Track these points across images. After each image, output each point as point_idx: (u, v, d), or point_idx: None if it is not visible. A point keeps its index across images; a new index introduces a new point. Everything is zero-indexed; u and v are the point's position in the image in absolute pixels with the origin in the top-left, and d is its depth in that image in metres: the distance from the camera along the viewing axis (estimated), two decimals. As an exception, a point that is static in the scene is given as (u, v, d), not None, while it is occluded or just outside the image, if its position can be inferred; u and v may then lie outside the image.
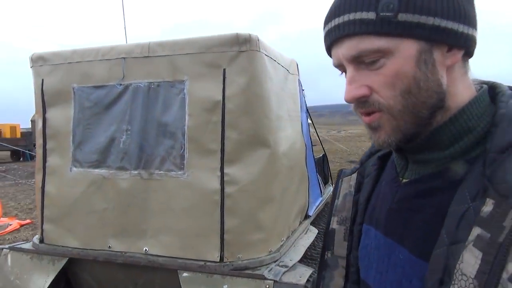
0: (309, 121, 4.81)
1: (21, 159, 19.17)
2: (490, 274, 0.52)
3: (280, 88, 3.13)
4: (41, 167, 3.15)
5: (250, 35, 2.63)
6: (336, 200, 0.92)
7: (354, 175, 0.90)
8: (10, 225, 6.87)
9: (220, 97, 2.66)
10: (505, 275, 0.50)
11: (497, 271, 0.51)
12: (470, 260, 0.54)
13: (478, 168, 0.60)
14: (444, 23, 0.61)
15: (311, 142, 4.71)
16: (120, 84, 2.91)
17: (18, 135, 19.83)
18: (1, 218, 7.16)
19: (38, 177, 3.16)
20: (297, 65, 3.85)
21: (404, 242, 0.69)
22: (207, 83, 2.70)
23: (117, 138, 2.92)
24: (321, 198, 4.75)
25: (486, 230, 0.54)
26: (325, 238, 0.93)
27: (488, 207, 0.55)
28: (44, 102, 3.11)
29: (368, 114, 0.67)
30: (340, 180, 0.94)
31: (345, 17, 0.63)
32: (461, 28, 0.62)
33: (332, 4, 0.68)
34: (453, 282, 0.56)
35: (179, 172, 2.77)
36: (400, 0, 0.60)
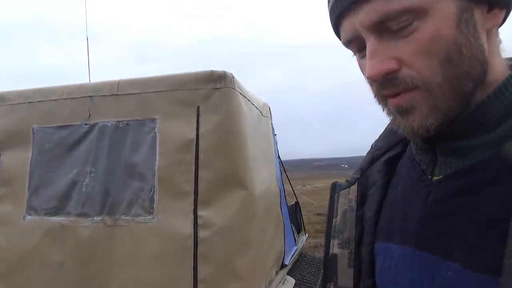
0: (282, 173, 4.72)
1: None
2: None
3: (255, 128, 3.06)
4: (-10, 216, 2.81)
5: (225, 72, 2.58)
6: (334, 219, 0.76)
7: (354, 187, 0.75)
8: None
9: (194, 135, 2.53)
10: None
11: None
12: None
13: None
14: None
15: (284, 190, 4.60)
16: (86, 124, 2.73)
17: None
18: None
19: (-14, 228, 2.82)
20: (270, 108, 3.83)
21: (453, 255, 0.53)
22: (179, 121, 2.58)
23: (79, 181, 2.68)
24: (295, 247, 4.55)
25: None
26: (325, 267, 0.76)
27: None
28: (-2, 144, 2.86)
29: (396, 95, 0.54)
30: (336, 194, 0.77)
31: None
32: None
33: None
34: None
35: (148, 217, 2.55)
36: None
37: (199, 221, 2.46)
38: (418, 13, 0.50)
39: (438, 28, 0.51)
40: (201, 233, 2.45)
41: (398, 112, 0.56)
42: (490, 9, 0.53)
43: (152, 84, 2.66)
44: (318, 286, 4.42)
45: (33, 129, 2.81)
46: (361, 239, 0.72)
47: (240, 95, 2.71)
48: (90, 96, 2.75)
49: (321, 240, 7.84)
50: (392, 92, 0.54)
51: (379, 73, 0.53)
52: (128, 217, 2.58)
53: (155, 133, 2.61)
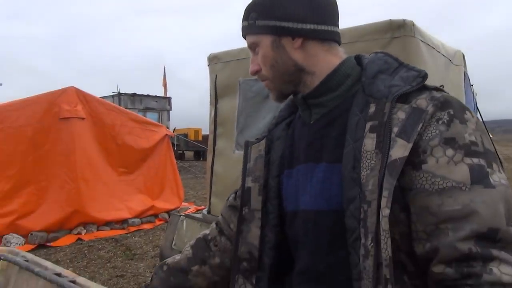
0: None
1: (202, 158, 22.09)
2: (384, 140, 0.82)
3: (441, 77, 2.93)
4: (212, 149, 3.68)
5: (404, 20, 2.57)
6: (248, 163, 1.11)
7: (263, 141, 1.11)
8: (189, 208, 8.10)
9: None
10: (393, 135, 0.81)
11: (387, 136, 0.82)
12: (369, 141, 0.85)
13: (359, 94, 0.94)
14: (282, 23, 0.97)
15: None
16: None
17: (200, 138, 22.92)
18: (183, 203, 8.55)
19: (209, 158, 3.71)
20: (464, 56, 3.52)
21: (322, 158, 0.95)
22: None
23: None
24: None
25: (374, 120, 0.86)
26: (242, 196, 1.10)
27: (372, 108, 0.88)
28: (216, 94, 3.65)
29: (265, 81, 1.06)
30: (249, 148, 1.13)
31: (242, 23, 1.05)
32: (293, 25, 0.97)
33: None
34: (362, 161, 0.84)
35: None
36: (257, 13, 0.99)
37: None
38: (257, 44, 1.02)
39: (264, 51, 1.01)
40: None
41: (268, 90, 1.08)
42: (293, 38, 0.99)
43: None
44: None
45: (239, 82, 3.46)
46: (267, 175, 1.07)
47: (422, 43, 2.66)
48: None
49: None
50: (262, 80, 1.06)
51: (252, 71, 1.06)
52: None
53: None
